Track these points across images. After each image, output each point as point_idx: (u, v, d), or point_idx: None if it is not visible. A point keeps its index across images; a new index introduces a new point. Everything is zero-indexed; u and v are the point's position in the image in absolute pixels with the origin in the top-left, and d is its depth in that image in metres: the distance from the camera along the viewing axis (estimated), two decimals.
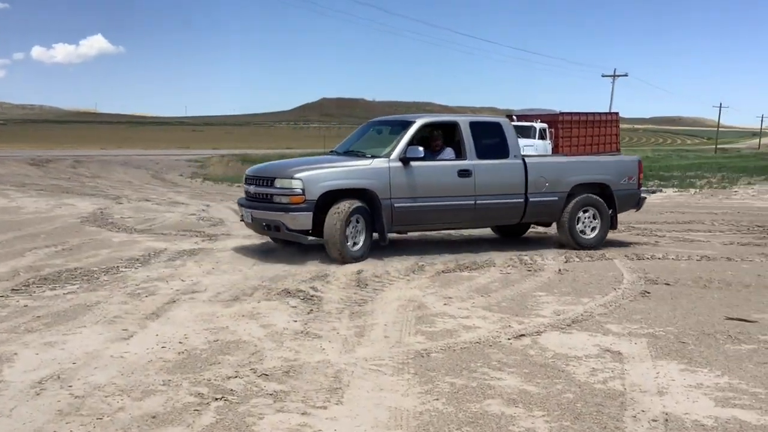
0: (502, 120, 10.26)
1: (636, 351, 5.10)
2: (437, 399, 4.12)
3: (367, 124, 10.78)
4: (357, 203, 8.59)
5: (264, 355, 4.96)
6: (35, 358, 4.86)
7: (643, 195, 10.68)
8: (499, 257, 9.05)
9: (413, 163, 8.91)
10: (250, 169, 9.88)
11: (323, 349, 5.12)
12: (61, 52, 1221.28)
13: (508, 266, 8.51)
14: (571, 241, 9.82)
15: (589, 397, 4.13)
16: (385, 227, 8.80)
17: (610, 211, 10.07)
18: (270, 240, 10.28)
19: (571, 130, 27.45)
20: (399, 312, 6.25)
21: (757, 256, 9.53)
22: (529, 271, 8.24)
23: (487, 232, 11.36)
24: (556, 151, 26.26)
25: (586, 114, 29.40)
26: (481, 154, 9.41)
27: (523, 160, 9.71)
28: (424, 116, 9.62)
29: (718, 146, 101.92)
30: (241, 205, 9.58)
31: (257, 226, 9.09)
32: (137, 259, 8.68)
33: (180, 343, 5.25)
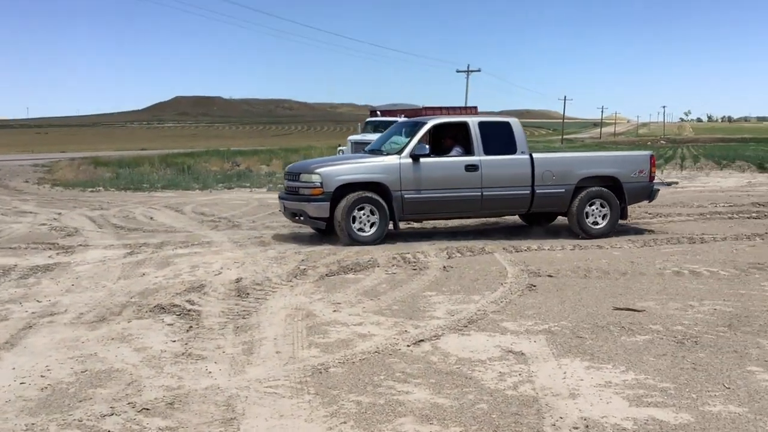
0: (512, 120, 10.91)
1: (537, 350, 4.98)
2: (344, 422, 3.78)
3: (396, 125, 12.48)
4: (362, 194, 9.76)
5: (142, 384, 4.41)
6: None
7: (656, 187, 11.13)
8: (381, 256, 8.82)
9: (423, 159, 10.03)
10: (287, 167, 11.52)
11: (209, 372, 4.64)
12: None
13: (393, 266, 8.28)
14: (580, 231, 10.45)
15: (504, 407, 3.93)
16: (396, 216, 9.95)
17: (621, 203, 10.58)
18: (135, 249, 9.57)
19: None
20: (287, 323, 5.84)
21: (625, 243, 9.87)
22: (414, 270, 8.05)
23: None
24: None
25: (448, 108, 29.92)
26: (489, 150, 10.31)
27: (531, 155, 10.46)
28: (436, 118, 11.09)
29: (564, 137, 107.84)
30: (280, 198, 10.80)
31: (288, 214, 10.42)
32: None
33: (42, 376, 4.58)
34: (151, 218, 13.57)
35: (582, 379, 4.34)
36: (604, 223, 10.53)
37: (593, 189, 10.50)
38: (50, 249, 9.92)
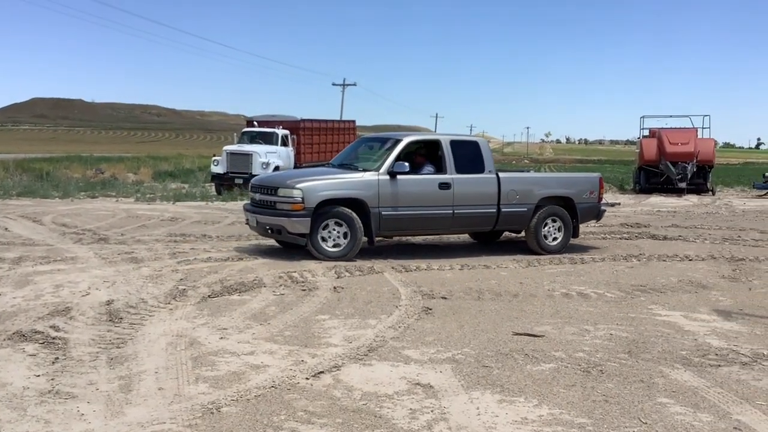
0: (480, 140, 11.30)
1: (445, 382, 4.72)
2: None
3: (358, 141, 12.65)
4: (334, 210, 9.70)
5: (2, 430, 3.76)
6: None
7: (603, 207, 11.73)
8: (267, 275, 8.34)
9: (399, 177, 10.06)
10: (255, 179, 11.09)
11: (82, 414, 4.03)
12: None
13: (280, 285, 7.83)
14: (537, 247, 10.85)
15: None
16: (373, 232, 9.91)
17: (573, 222, 11.13)
18: None
19: (312, 137, 27.40)
20: (169, 352, 5.28)
21: (510, 263, 9.90)
22: (303, 290, 7.64)
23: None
24: (298, 158, 26.01)
25: (326, 121, 29.60)
26: (460, 169, 10.47)
27: (497, 174, 10.78)
28: (411, 135, 10.87)
29: None
30: (246, 210, 10.54)
31: (261, 229, 10.16)
32: None
33: None
34: (6, 229, 12.32)
35: (497, 416, 4.11)
36: (559, 240, 11.04)
37: (550, 208, 10.98)
38: None
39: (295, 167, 26.17)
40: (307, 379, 4.74)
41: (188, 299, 7.09)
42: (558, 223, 11.05)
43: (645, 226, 14.66)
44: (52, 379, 4.62)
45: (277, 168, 24.58)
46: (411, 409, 4.21)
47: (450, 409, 4.21)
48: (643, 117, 29.96)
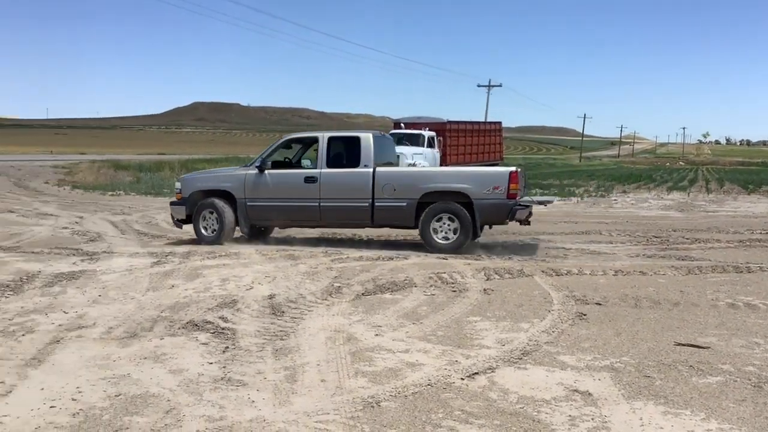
0: (363, 135, 11.22)
1: (605, 390, 4.60)
2: None
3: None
4: (208, 200, 11.14)
5: (182, 413, 4.08)
6: None
7: (519, 206, 10.42)
8: (417, 275, 8.47)
9: (267, 171, 11.10)
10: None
11: (253, 401, 4.30)
12: None
13: (430, 286, 7.93)
14: (427, 245, 10.47)
15: None
16: (241, 221, 11.14)
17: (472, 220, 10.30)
18: (161, 258, 9.30)
19: (458, 139, 27.45)
20: (329, 347, 5.50)
21: (668, 270, 9.45)
22: (454, 291, 7.69)
23: (397, 239, 10.83)
24: (444, 159, 26.15)
25: (473, 123, 29.56)
26: (333, 163, 10.96)
27: (374, 169, 10.74)
28: (292, 134, 11.94)
29: (583, 155, 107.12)
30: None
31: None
32: (7, 286, 7.46)
33: (73, 400, 4.26)
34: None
35: (662, 428, 3.96)
36: (452, 240, 10.36)
37: (442, 204, 10.37)
38: (74, 255, 9.66)
39: None
40: (462, 379, 4.78)
41: (343, 296, 7.34)
42: (455, 222, 10.33)
43: None
44: (224, 367, 4.95)
45: None
46: (570, 415, 4.14)
47: (611, 418, 4.10)
48: None
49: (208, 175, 12.10)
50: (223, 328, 5.97)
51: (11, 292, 7.18)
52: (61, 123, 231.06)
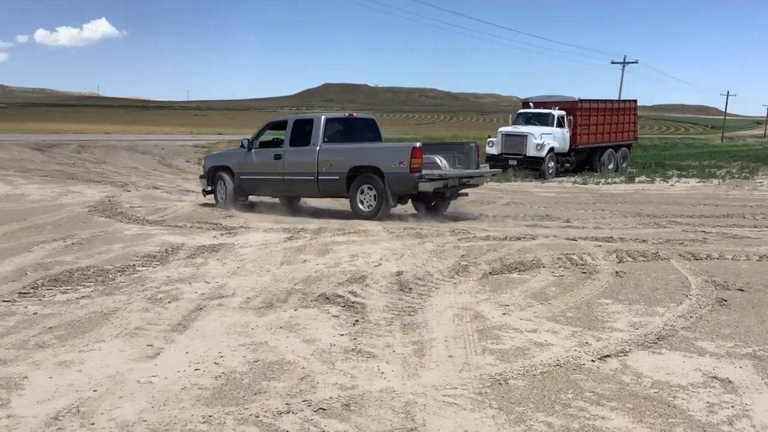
0: (316, 117, 12.59)
1: (746, 378, 4.38)
2: None
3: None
4: (219, 174, 13.65)
5: (315, 380, 4.25)
6: (49, 383, 4.16)
7: (423, 178, 11.24)
8: (545, 256, 8.33)
9: (253, 150, 13.23)
10: None
11: (382, 373, 4.41)
12: (65, 35, 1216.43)
13: (559, 267, 7.78)
14: (354, 213, 11.74)
15: None
16: (237, 191, 13.38)
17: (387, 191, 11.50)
18: (294, 234, 9.64)
19: (590, 118, 26.55)
20: (456, 324, 5.53)
21: None
22: (584, 273, 7.51)
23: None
24: (573, 139, 25.41)
25: (605, 101, 28.45)
26: (294, 143, 12.52)
27: (319, 147, 12.11)
28: (275, 119, 13.94)
29: (725, 135, 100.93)
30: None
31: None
32: (154, 257, 7.99)
33: (216, 363, 4.54)
34: (304, 202, 13.76)
35: None
36: (373, 207, 11.58)
37: (364, 177, 11.61)
38: (214, 229, 10.18)
39: (570, 150, 25.65)
40: (593, 361, 4.68)
41: (470, 275, 7.34)
42: (373, 192, 11.54)
43: None
44: (354, 339, 5.09)
45: (551, 150, 24.30)
46: (708, 402, 3.97)
47: (753, 407, 3.90)
48: None
49: (219, 154, 15.25)
50: (353, 302, 6.14)
51: (158, 263, 7.69)
52: (200, 105, 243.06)
